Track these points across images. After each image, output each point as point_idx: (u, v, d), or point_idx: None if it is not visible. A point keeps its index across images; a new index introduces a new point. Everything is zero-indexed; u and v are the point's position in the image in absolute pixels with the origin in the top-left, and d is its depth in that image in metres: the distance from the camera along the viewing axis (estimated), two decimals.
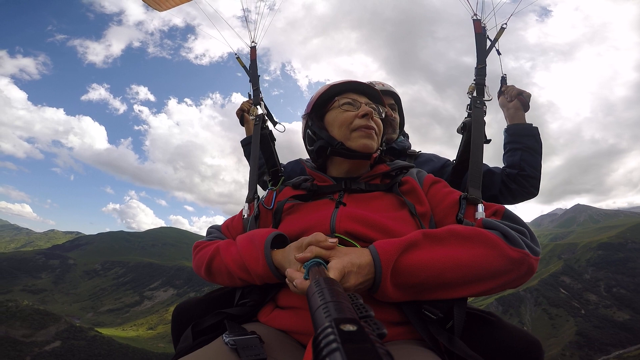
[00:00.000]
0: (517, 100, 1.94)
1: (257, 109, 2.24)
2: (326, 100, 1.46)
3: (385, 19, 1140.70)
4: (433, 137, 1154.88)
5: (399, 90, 2.37)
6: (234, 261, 1.17)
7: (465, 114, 1.84)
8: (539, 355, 1.01)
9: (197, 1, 2.77)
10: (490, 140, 1.69)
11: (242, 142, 2.45)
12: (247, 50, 2.48)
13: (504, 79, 2.08)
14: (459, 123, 1.85)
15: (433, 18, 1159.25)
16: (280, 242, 1.15)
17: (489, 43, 1.98)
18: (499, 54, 1.99)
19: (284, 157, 2.34)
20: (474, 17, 2.03)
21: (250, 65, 2.42)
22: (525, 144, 1.88)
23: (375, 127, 1.39)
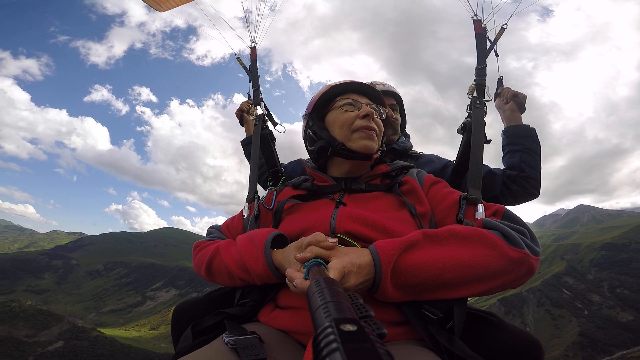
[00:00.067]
0: (512, 102, 1.94)
1: (257, 109, 2.24)
2: (327, 101, 1.46)
3: (386, 19, 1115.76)
4: (435, 137, 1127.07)
5: (400, 91, 2.37)
6: (234, 261, 1.17)
7: (466, 115, 1.84)
8: (539, 355, 1.01)
9: (198, 2, 2.78)
10: (490, 140, 1.70)
11: (242, 142, 2.45)
12: (248, 51, 2.49)
13: (500, 81, 2.08)
14: (461, 124, 1.85)
15: (434, 18, 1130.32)
16: (280, 242, 1.15)
17: (489, 44, 1.98)
18: (497, 55, 1.99)
19: (286, 158, 2.34)
20: (474, 18, 2.04)
21: (251, 66, 2.43)
22: (524, 145, 1.88)
23: (376, 128, 1.39)
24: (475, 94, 1.84)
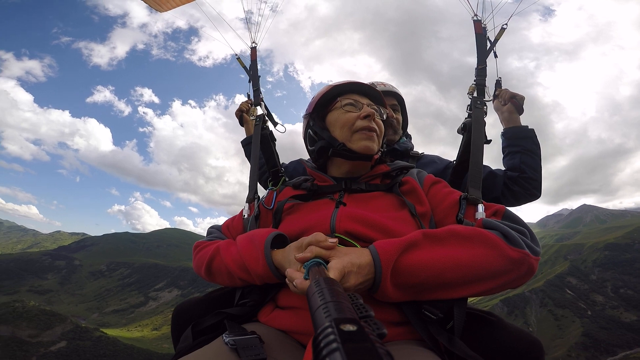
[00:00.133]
0: (510, 104, 1.94)
1: (257, 109, 2.24)
2: (328, 101, 1.46)
3: (388, 19, 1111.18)
4: (437, 137, 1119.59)
5: (402, 91, 2.36)
6: (234, 261, 1.17)
7: (466, 115, 1.84)
8: (539, 355, 1.01)
9: (200, 3, 2.79)
10: (490, 140, 1.69)
11: (242, 142, 2.45)
12: (249, 51, 2.49)
13: (498, 83, 2.08)
14: (461, 124, 1.85)
15: (436, 18, 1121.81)
16: (280, 242, 1.15)
17: (489, 44, 1.98)
18: (496, 56, 1.99)
19: (287, 158, 2.34)
20: (475, 18, 2.04)
21: (251, 66, 2.43)
22: (523, 146, 1.89)
23: (376, 128, 1.39)
24: (475, 94, 1.84)
